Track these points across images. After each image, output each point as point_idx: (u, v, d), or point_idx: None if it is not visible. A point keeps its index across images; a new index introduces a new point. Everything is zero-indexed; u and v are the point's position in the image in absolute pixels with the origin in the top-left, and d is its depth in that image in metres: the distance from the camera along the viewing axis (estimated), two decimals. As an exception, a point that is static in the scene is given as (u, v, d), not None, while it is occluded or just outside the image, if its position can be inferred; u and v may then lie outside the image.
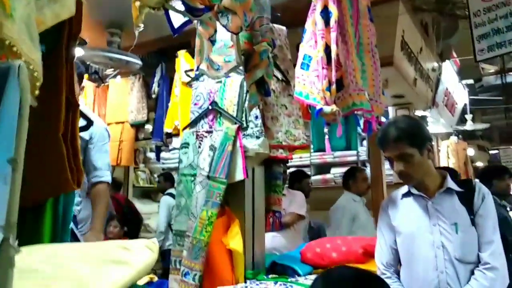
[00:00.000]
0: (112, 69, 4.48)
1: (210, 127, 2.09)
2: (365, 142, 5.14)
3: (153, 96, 4.40)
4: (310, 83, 2.07)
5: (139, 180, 6.85)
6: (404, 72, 4.08)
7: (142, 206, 5.97)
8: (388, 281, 1.67)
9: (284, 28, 2.55)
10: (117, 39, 3.64)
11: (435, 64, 5.25)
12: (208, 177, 1.94)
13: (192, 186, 2.02)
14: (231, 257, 1.90)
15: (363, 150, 5.12)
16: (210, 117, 2.12)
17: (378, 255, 1.77)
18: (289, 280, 1.89)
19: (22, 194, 0.68)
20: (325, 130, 2.33)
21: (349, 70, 2.10)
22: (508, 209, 3.45)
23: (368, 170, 4.42)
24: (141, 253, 1.05)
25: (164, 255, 4.02)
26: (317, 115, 2.02)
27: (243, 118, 2.02)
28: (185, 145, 2.13)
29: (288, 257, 2.23)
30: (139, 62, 3.76)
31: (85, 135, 2.37)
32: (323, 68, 2.01)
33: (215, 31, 2.06)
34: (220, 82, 2.13)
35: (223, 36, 2.12)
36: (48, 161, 1.34)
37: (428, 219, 1.63)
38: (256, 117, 2.11)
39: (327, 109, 1.97)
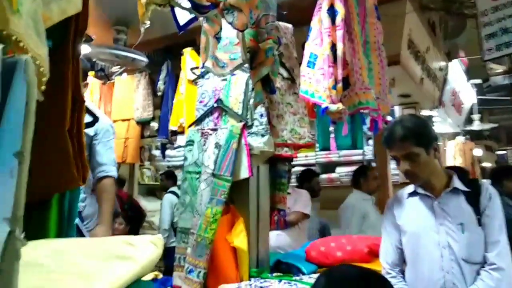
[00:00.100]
0: (118, 67, 4.50)
1: (215, 124, 2.09)
2: (370, 141, 5.12)
3: (159, 93, 4.42)
4: (316, 82, 2.06)
5: (144, 178, 6.88)
6: (410, 71, 4.06)
7: (147, 204, 6.00)
8: (393, 280, 1.66)
9: (290, 26, 2.54)
10: (123, 37, 3.65)
11: (442, 64, 5.21)
12: (213, 174, 1.94)
13: (197, 184, 2.02)
14: (235, 255, 1.90)
15: (368, 149, 5.10)
16: (215, 114, 2.11)
17: (383, 254, 1.76)
18: (293, 278, 1.89)
19: (28, 190, 0.68)
20: (331, 128, 2.32)
21: (356, 68, 2.09)
22: None
23: (373, 170, 4.40)
24: (146, 248, 1.05)
25: (167, 252, 4.03)
26: (323, 114, 2.02)
27: (248, 116, 2.01)
28: (190, 142, 2.13)
29: (293, 256, 2.23)
30: (145, 59, 3.77)
31: (89, 131, 2.38)
32: (329, 66, 2.00)
33: (221, 28, 2.06)
34: (226, 79, 2.13)
35: (228, 33, 2.12)
36: (54, 157, 1.35)
37: (434, 219, 1.62)
38: (261, 115, 2.10)
39: (333, 107, 1.97)
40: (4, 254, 0.61)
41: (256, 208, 2.06)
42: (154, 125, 4.87)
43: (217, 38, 2.11)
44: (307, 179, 3.92)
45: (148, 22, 1.74)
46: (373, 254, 1.99)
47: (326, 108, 1.98)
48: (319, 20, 2.10)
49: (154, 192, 6.88)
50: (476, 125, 7.45)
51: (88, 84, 2.99)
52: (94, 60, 3.82)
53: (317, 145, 5.17)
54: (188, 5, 1.74)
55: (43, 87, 0.86)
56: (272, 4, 1.96)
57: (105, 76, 4.80)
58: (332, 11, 2.05)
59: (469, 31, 4.86)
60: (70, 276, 0.93)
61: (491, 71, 6.67)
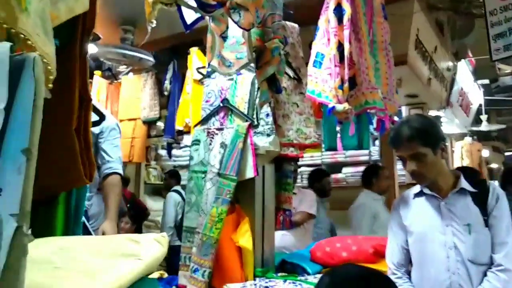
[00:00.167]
0: (125, 66, 4.51)
1: (221, 124, 2.09)
2: (377, 142, 5.10)
3: (165, 93, 4.43)
4: (322, 81, 2.06)
5: (151, 177, 6.90)
6: (418, 72, 4.03)
7: (153, 203, 6.02)
8: (399, 281, 1.65)
9: (296, 25, 2.54)
10: (130, 36, 3.66)
11: (450, 64, 5.18)
12: (219, 174, 1.94)
13: (202, 183, 2.03)
14: (240, 255, 1.90)
15: (375, 150, 5.08)
16: (221, 114, 2.12)
17: (389, 255, 1.75)
18: (298, 278, 1.88)
19: (35, 188, 0.69)
20: (337, 128, 2.32)
21: (362, 68, 2.09)
22: None
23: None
24: (151, 246, 1.06)
25: (171, 251, 4.03)
26: (329, 113, 2.01)
27: (254, 116, 2.01)
28: (196, 142, 2.14)
29: (298, 256, 2.23)
30: (152, 59, 3.78)
31: (95, 129, 2.38)
32: (335, 66, 2.00)
33: (227, 27, 2.06)
34: (232, 79, 2.13)
35: (235, 32, 2.12)
36: (61, 155, 1.36)
37: (440, 219, 1.61)
38: (267, 115, 2.10)
39: (340, 107, 1.96)
40: (11, 249, 0.62)
41: (261, 207, 2.06)
42: (161, 124, 4.88)
43: (223, 37, 2.11)
44: (318, 179, 3.91)
45: (154, 22, 1.75)
46: (379, 254, 1.98)
47: (333, 107, 1.97)
48: (326, 20, 2.09)
49: (160, 191, 6.89)
50: (484, 126, 7.38)
51: (92, 83, 2.99)
52: (101, 59, 3.84)
53: (323, 145, 5.17)
54: (194, 4, 1.74)
55: (50, 85, 0.87)
56: (279, 4, 1.96)
57: (112, 76, 4.82)
58: (339, 11, 2.04)
59: (477, 31, 4.82)
60: (76, 273, 0.94)
61: (500, 72, 6.61)
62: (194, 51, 3.73)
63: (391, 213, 1.81)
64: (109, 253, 1.00)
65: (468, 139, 7.39)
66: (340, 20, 2.03)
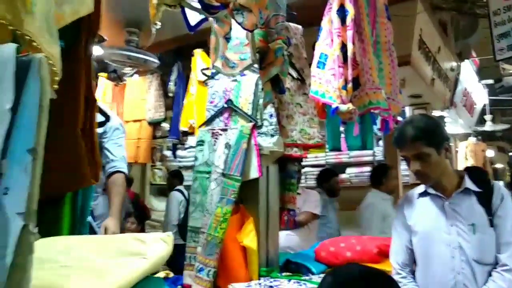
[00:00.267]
0: (130, 68, 4.54)
1: (225, 125, 2.10)
2: (381, 142, 5.09)
3: (170, 94, 4.45)
4: (326, 82, 2.06)
5: (156, 178, 6.93)
6: (421, 72, 4.02)
7: (158, 204, 6.05)
8: (403, 281, 1.65)
9: (299, 26, 2.54)
10: (135, 38, 3.68)
11: (454, 64, 5.16)
12: (223, 174, 1.95)
13: (207, 183, 2.04)
14: (245, 254, 1.91)
15: (379, 150, 5.07)
16: (226, 115, 2.12)
17: (394, 254, 1.75)
18: (303, 278, 1.88)
19: (41, 188, 0.70)
20: (341, 129, 2.32)
21: (366, 68, 2.09)
22: None
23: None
24: (156, 245, 1.06)
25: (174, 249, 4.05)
26: (333, 114, 2.01)
27: (258, 117, 2.02)
28: (200, 142, 2.15)
29: (302, 256, 2.23)
30: (157, 60, 3.80)
31: (98, 129, 2.38)
32: (339, 66, 2.00)
33: (231, 28, 2.07)
34: (236, 80, 2.14)
35: (238, 33, 2.13)
36: (67, 155, 1.37)
37: (445, 219, 1.61)
38: (271, 116, 2.11)
39: (343, 107, 1.96)
40: (18, 248, 0.63)
41: (265, 208, 2.06)
42: (166, 125, 4.90)
43: (227, 38, 2.12)
44: (326, 179, 3.91)
45: (159, 24, 1.76)
46: (383, 254, 1.97)
47: (337, 108, 1.97)
48: (329, 21, 2.10)
49: (165, 192, 6.93)
50: (488, 126, 7.35)
51: (97, 85, 3.00)
52: (106, 61, 3.86)
53: (326, 146, 5.16)
54: (198, 5, 1.75)
55: (55, 86, 0.88)
56: (282, 5, 1.97)
57: (117, 78, 4.84)
58: (342, 12, 2.05)
59: (481, 31, 4.80)
60: (82, 271, 0.94)
61: (504, 72, 6.58)
62: (198, 53, 3.74)
63: (396, 212, 1.81)
64: (115, 252, 1.01)
65: (472, 139, 7.36)
66: (343, 21, 2.04)
